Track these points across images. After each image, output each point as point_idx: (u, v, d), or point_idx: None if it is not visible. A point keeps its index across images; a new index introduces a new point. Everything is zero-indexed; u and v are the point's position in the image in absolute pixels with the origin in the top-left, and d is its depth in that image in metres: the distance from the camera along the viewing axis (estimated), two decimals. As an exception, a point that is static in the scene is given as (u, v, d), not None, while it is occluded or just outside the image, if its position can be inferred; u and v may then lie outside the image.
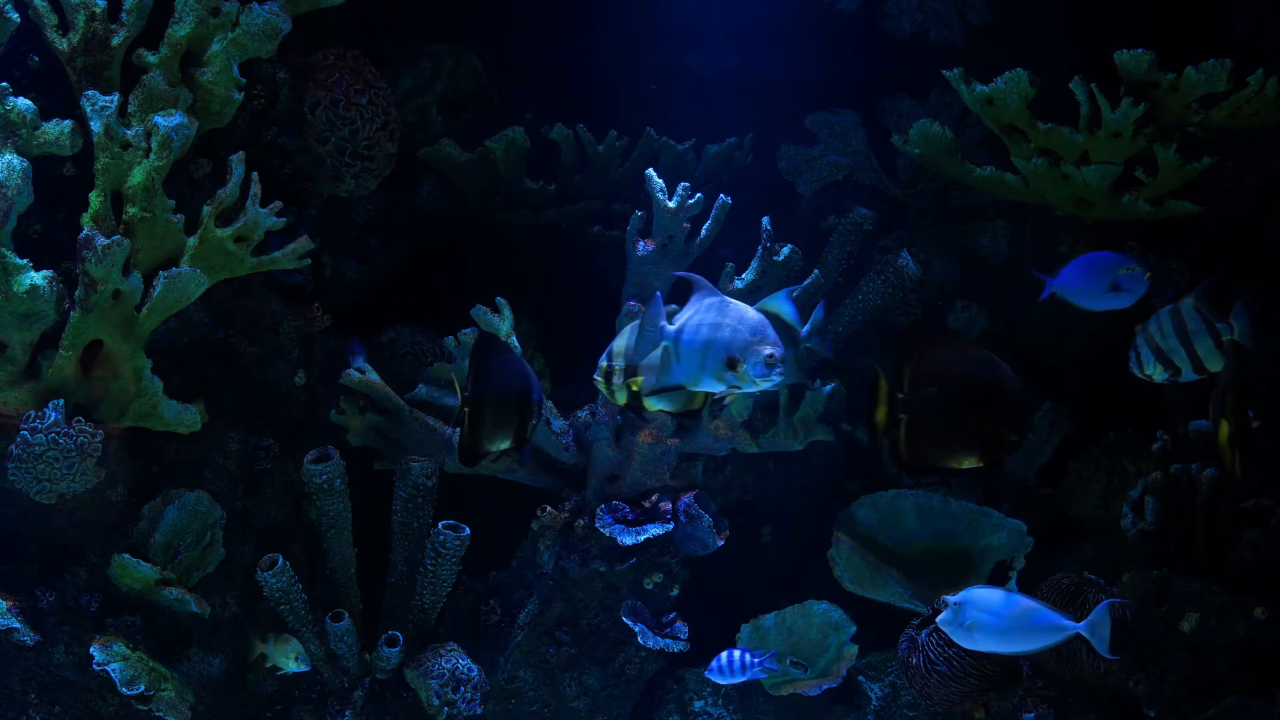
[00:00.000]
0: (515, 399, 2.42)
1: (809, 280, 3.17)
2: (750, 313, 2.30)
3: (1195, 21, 3.26)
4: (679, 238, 3.01)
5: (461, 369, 3.07)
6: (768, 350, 2.24)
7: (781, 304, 2.55)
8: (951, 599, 2.45)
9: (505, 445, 2.44)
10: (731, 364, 2.26)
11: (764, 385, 2.27)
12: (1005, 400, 2.18)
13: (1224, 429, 2.46)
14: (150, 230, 2.53)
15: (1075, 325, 3.47)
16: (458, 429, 3.10)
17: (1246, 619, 2.75)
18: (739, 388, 2.29)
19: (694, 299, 2.34)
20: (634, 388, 2.46)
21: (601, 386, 2.52)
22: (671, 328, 2.32)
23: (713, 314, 2.29)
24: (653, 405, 2.49)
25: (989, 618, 2.42)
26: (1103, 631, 2.41)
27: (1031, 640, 2.42)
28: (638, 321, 2.44)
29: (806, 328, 2.61)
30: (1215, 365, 2.61)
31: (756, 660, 2.96)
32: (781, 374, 2.25)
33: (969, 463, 2.21)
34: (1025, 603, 2.41)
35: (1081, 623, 2.39)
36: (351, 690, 3.03)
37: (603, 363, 2.51)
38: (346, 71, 3.06)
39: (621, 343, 2.49)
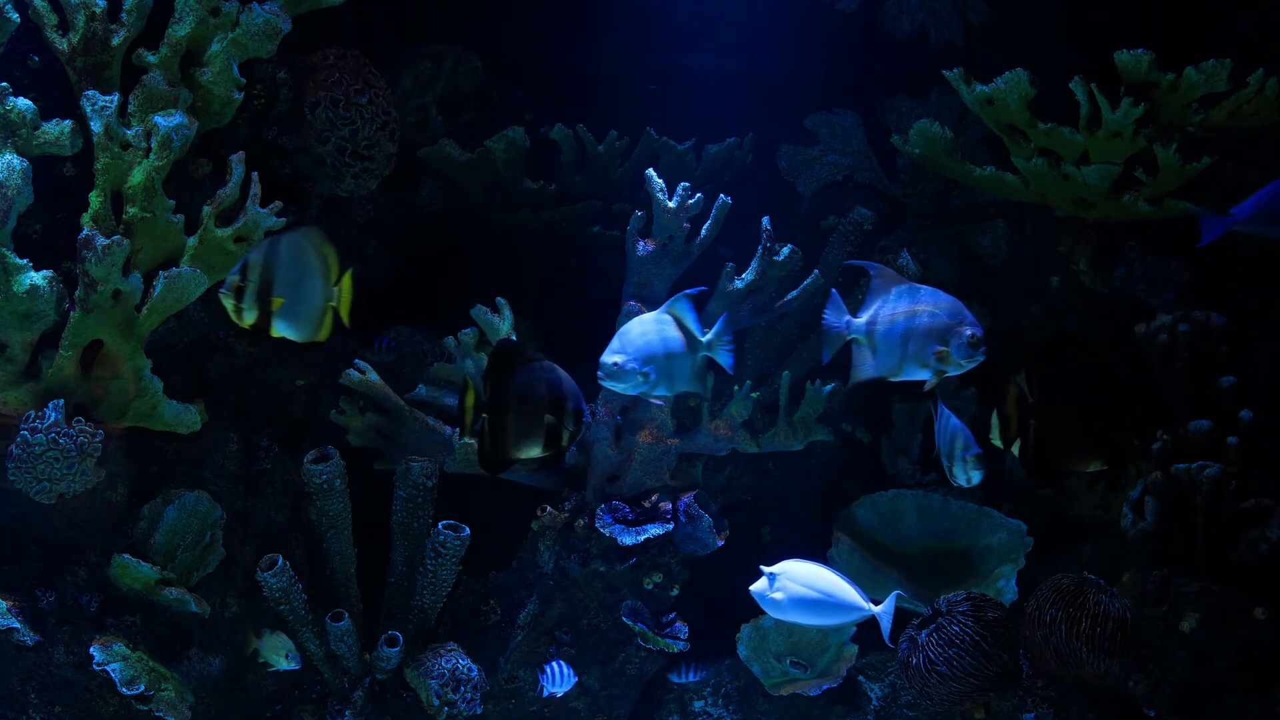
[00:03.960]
0: (543, 406, 2.29)
1: (808, 280, 3.17)
2: (940, 294, 2.29)
3: (1195, 21, 3.26)
4: (679, 238, 3.01)
5: (462, 369, 3.07)
6: (969, 331, 2.25)
7: (684, 310, 2.49)
8: (767, 570, 2.47)
9: (535, 454, 2.32)
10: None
11: (968, 367, 2.27)
12: (1135, 405, 2.19)
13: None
14: (150, 230, 2.52)
15: (1075, 327, 3.46)
16: (457, 431, 3.12)
17: (1246, 619, 2.75)
18: (945, 371, 2.28)
19: (875, 286, 2.33)
20: (273, 308, 2.24)
21: (228, 304, 2.27)
22: (860, 320, 2.30)
23: (904, 301, 2.28)
24: (278, 331, 2.28)
25: (798, 588, 2.45)
26: (888, 620, 2.48)
27: (832, 616, 2.46)
28: (277, 237, 2.28)
29: (708, 336, 2.50)
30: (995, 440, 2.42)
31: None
32: (984, 354, 2.25)
33: (1094, 466, 2.22)
34: (833, 579, 2.43)
35: (878, 607, 2.44)
36: (351, 690, 3.02)
37: (233, 276, 2.25)
38: (346, 71, 3.06)
39: (257, 256, 2.27)
